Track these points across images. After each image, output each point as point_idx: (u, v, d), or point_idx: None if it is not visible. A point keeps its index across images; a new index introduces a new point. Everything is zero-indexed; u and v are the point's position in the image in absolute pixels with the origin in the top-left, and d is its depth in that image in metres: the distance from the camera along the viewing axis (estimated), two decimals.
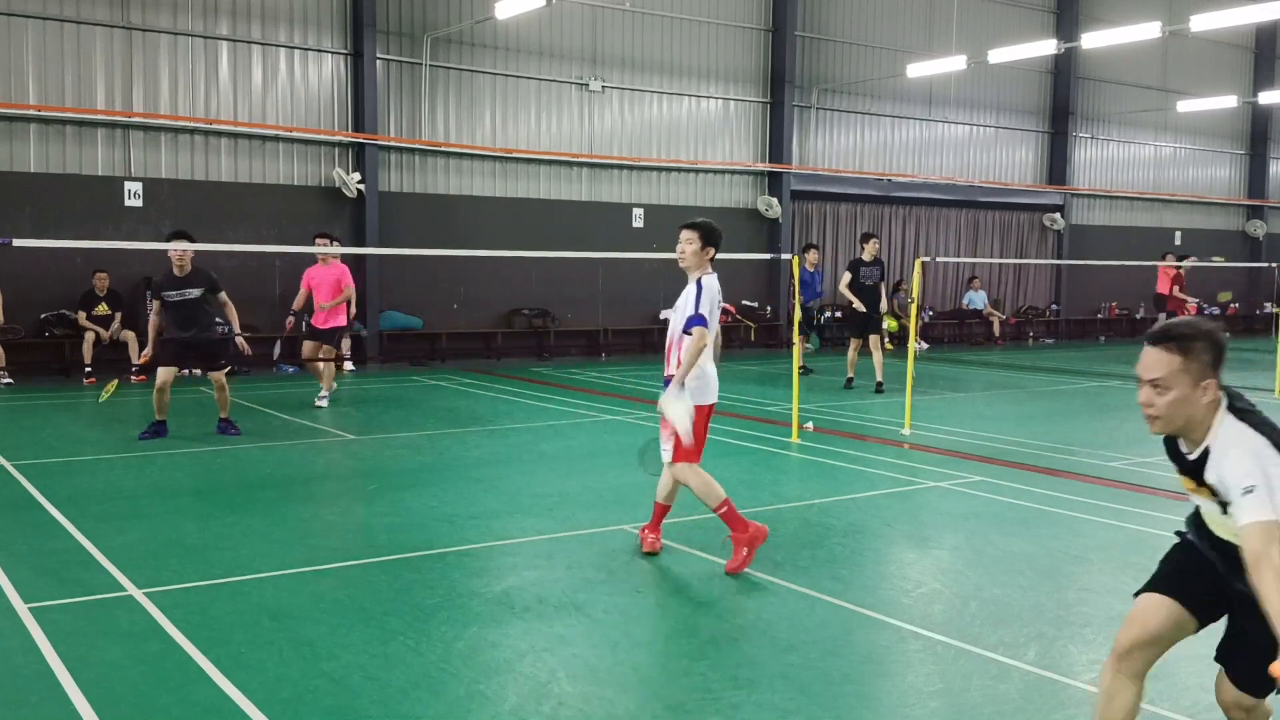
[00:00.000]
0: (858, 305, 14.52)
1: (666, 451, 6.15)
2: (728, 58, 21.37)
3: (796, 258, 11.28)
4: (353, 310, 13.31)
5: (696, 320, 6.08)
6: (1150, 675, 4.67)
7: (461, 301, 18.82)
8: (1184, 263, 20.68)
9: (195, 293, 10.18)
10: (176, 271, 10.17)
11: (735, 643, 5.01)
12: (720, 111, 21.42)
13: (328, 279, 12.79)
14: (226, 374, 15.66)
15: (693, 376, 6.10)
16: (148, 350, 10.41)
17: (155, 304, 10.39)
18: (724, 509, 6.11)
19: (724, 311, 20.90)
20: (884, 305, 15.09)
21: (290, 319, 13.27)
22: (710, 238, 6.35)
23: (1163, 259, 21.91)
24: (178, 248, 9.87)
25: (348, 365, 16.75)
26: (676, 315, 6.22)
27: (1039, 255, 25.95)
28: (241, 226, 16.59)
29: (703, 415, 6.18)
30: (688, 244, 6.32)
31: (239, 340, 11.17)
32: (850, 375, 15.02)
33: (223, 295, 10.45)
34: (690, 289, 6.22)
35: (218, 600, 5.55)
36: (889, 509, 7.78)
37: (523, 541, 6.75)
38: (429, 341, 18.56)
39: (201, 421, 11.64)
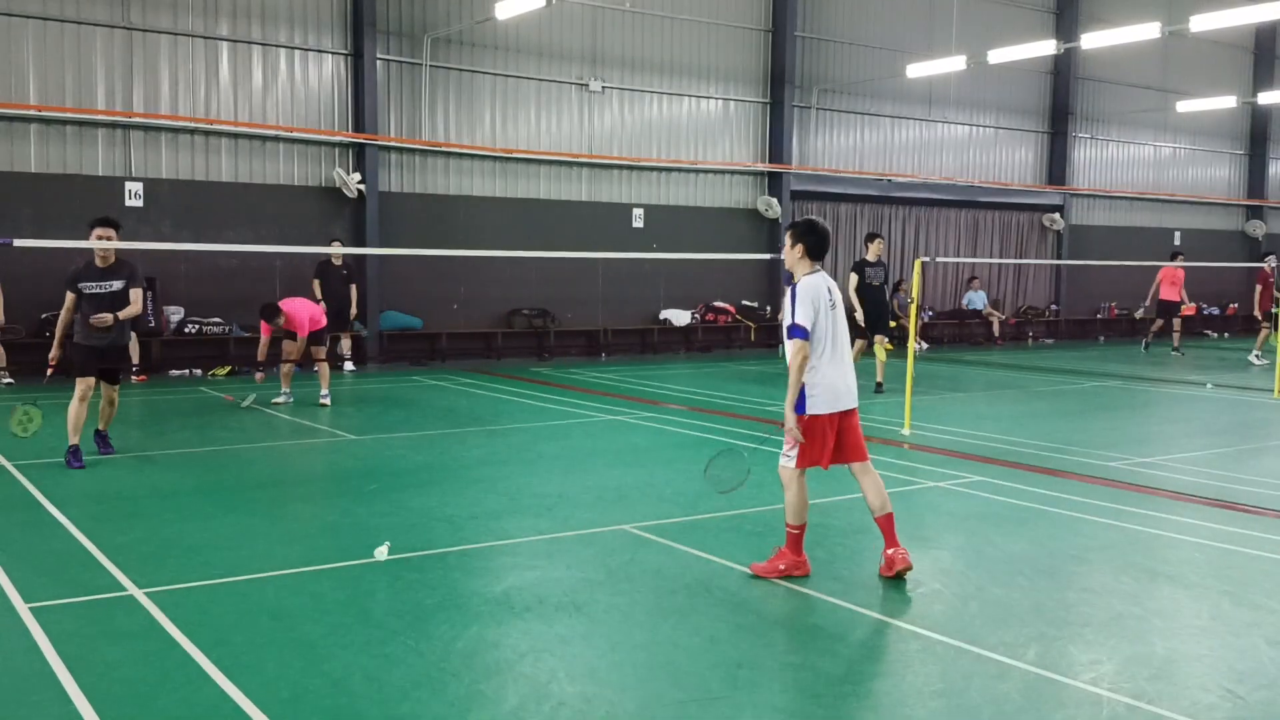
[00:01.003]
0: (859, 317, 14.45)
1: (789, 458, 6.02)
2: (727, 58, 21.37)
3: None
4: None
5: (795, 331, 5.90)
6: (1151, 675, 4.69)
7: (461, 301, 18.83)
8: (1268, 260, 19.81)
9: (119, 285, 9.04)
10: (99, 262, 8.99)
11: (735, 643, 5.01)
12: (720, 112, 21.43)
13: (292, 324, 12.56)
14: (228, 373, 15.86)
15: (813, 385, 5.96)
16: (55, 352, 9.03)
17: (70, 297, 9.00)
18: (797, 531, 6.06)
19: (723, 311, 21.15)
20: (890, 308, 15.00)
21: (260, 374, 12.97)
22: (799, 236, 6.09)
23: (1172, 258, 21.62)
24: (104, 246, 8.90)
25: (348, 365, 16.76)
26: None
27: (1039, 255, 25.95)
28: (242, 227, 16.60)
29: (822, 423, 6.02)
30: (786, 247, 6.17)
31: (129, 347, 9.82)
32: None
33: (135, 293, 9.13)
34: (787, 294, 6.06)
35: (218, 600, 5.55)
36: None
37: (523, 541, 6.75)
38: (429, 341, 18.56)
39: (200, 422, 11.65)
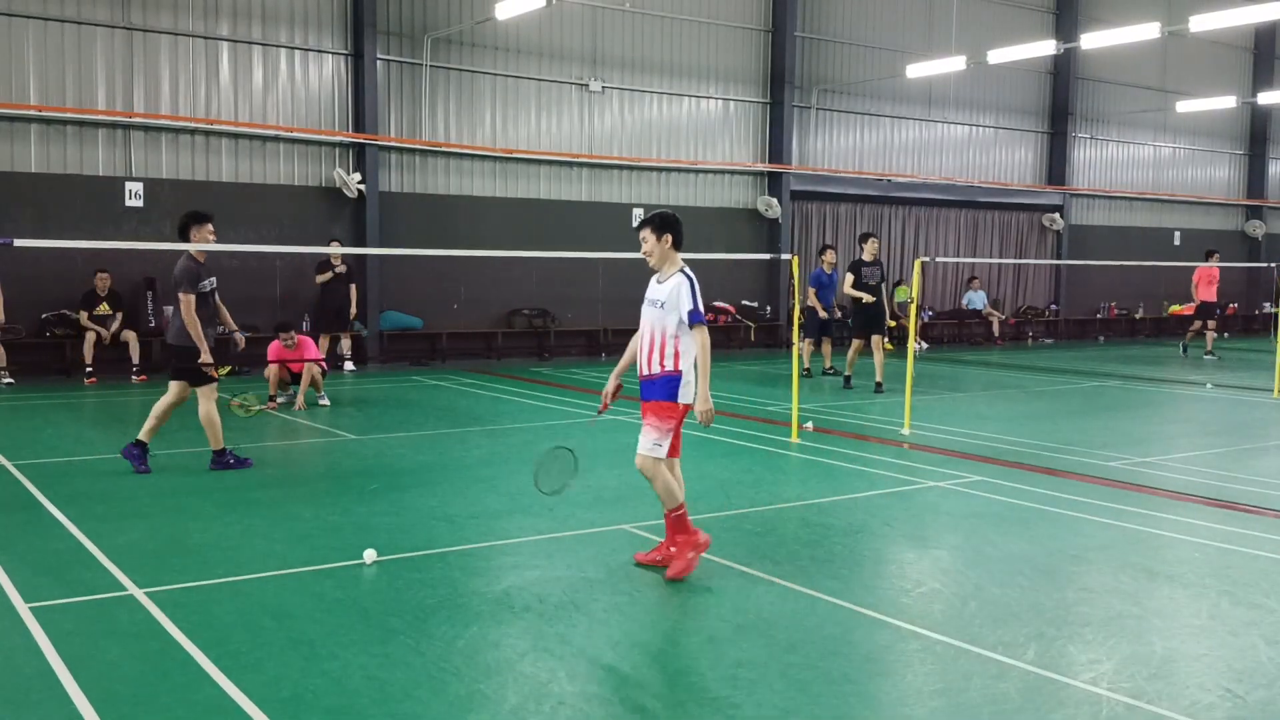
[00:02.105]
0: (867, 298, 14.47)
1: (661, 447, 6.00)
2: (727, 58, 21.38)
3: (796, 258, 11.27)
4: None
5: (699, 317, 5.94)
6: (1150, 675, 4.70)
7: (462, 301, 18.84)
8: None
9: (215, 280, 9.01)
10: (200, 259, 8.74)
11: (735, 643, 5.02)
12: (720, 112, 21.43)
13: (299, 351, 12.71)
14: (229, 373, 15.86)
15: (687, 375, 6.00)
16: (208, 355, 8.69)
17: (189, 298, 8.60)
18: (679, 511, 6.05)
19: (723, 311, 21.14)
20: (886, 308, 15.07)
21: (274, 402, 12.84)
22: (664, 225, 6.12)
23: (1206, 258, 21.06)
24: (205, 248, 8.76)
25: (348, 365, 16.78)
26: (659, 311, 6.01)
27: (1038, 255, 25.96)
28: (242, 227, 16.60)
29: (680, 415, 6.06)
30: (646, 243, 6.14)
31: (238, 336, 9.69)
32: (848, 374, 15.03)
33: None
34: (681, 282, 5.97)
35: (218, 600, 5.55)
36: (889, 509, 7.79)
37: (523, 541, 6.76)
38: (429, 341, 18.57)
39: (201, 422, 11.63)
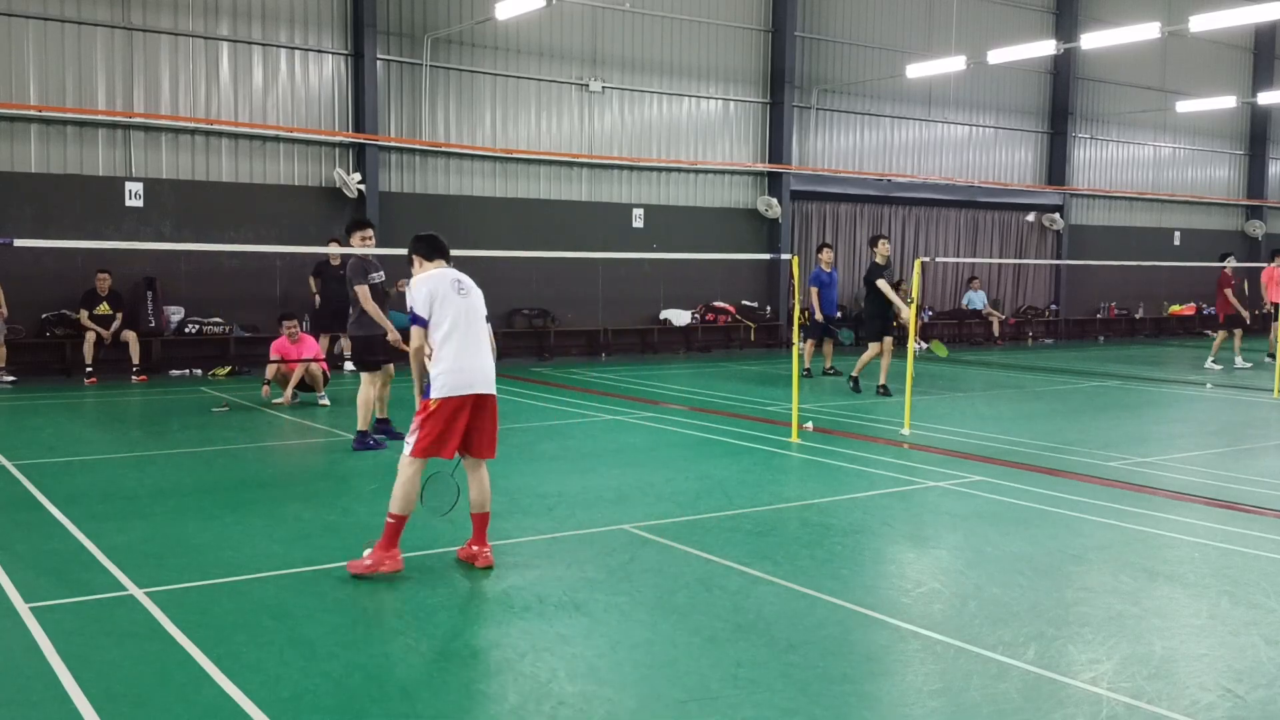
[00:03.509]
0: (904, 317, 14.09)
1: (409, 445, 6.01)
2: (727, 58, 21.38)
3: (796, 258, 11.26)
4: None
5: (412, 319, 6.09)
6: (1150, 674, 4.70)
7: None
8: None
9: (384, 275, 10.17)
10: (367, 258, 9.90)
11: (735, 642, 5.02)
12: (720, 112, 21.44)
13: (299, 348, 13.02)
14: (229, 373, 15.86)
15: (439, 371, 5.99)
16: (394, 334, 9.65)
17: (364, 289, 9.69)
18: (396, 521, 5.96)
19: (723, 312, 21.13)
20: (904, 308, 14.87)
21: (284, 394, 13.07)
22: (410, 252, 6.41)
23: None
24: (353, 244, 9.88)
25: (348, 366, 16.75)
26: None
27: (1038, 255, 25.96)
28: (243, 227, 16.61)
29: (426, 412, 5.99)
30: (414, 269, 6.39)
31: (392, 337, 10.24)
32: (855, 376, 14.95)
33: None
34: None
35: (218, 600, 5.55)
36: (889, 509, 7.79)
37: (523, 541, 6.75)
38: None
39: (200, 422, 11.65)
